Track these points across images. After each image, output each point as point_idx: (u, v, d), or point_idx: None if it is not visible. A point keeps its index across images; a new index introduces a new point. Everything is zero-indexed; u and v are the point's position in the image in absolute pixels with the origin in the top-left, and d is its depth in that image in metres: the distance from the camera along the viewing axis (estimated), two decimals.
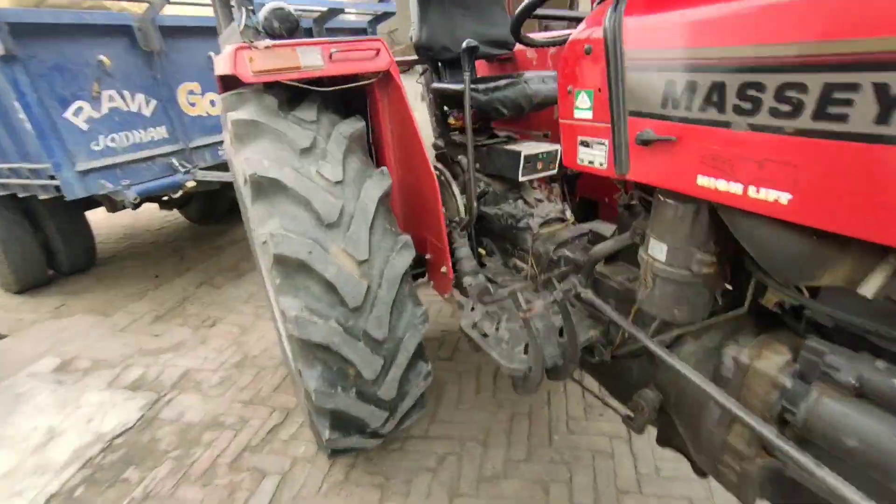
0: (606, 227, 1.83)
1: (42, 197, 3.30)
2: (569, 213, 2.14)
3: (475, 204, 1.88)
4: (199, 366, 3.11)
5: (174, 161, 3.41)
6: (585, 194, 2.57)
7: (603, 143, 1.21)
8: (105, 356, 3.25)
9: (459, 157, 1.88)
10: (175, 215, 6.23)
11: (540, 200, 2.15)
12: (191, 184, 3.42)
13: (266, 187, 1.54)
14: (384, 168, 1.74)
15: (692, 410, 1.28)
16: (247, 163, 1.55)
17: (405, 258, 1.66)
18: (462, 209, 1.99)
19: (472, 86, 1.90)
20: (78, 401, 2.82)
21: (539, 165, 2.04)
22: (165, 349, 3.32)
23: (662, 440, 1.60)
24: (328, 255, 1.52)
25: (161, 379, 3.00)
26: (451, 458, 2.33)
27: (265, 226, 1.52)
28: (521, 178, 2.01)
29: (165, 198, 4.69)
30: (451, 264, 1.82)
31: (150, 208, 5.83)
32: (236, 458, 2.37)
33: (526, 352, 1.51)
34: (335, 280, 1.51)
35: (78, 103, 3.09)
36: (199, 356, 3.22)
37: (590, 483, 2.19)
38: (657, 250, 1.17)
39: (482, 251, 2.19)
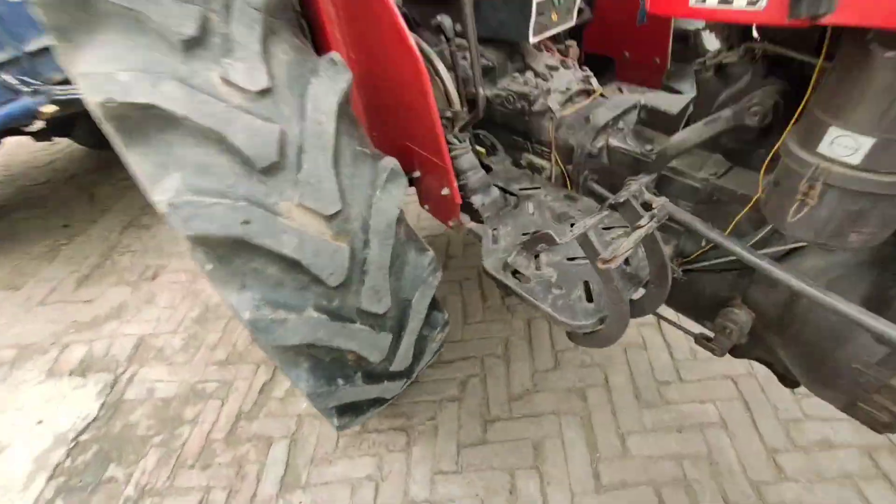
0: (657, 97, 1.30)
1: None
2: (595, 82, 1.56)
3: (481, 89, 1.27)
4: (154, 329, 2.62)
5: (7, 79, 2.35)
6: (594, 49, 1.94)
7: None
8: (31, 339, 2.67)
9: (439, 17, 1.21)
10: (65, 143, 5.00)
11: (554, 68, 1.54)
12: (48, 108, 2.43)
13: (139, 122, 0.90)
14: (334, 54, 1.08)
15: (821, 341, 0.98)
16: (89, 81, 0.87)
17: (396, 194, 1.13)
18: (455, 97, 1.38)
19: None
20: (16, 400, 2.35)
21: (554, 16, 1.38)
22: (105, 317, 2.76)
23: (739, 353, 1.34)
24: (277, 219, 0.96)
25: (112, 354, 2.51)
26: (473, 380, 2.10)
27: (159, 187, 0.91)
28: (532, 39, 1.37)
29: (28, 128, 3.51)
30: (454, 182, 1.29)
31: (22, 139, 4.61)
32: (231, 429, 2.06)
33: (589, 298, 1.10)
34: (298, 254, 0.98)
35: None
36: (151, 318, 2.70)
37: (627, 380, 2.03)
38: (845, 146, 0.70)
39: (480, 149, 1.63)
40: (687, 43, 1.74)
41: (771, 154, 0.93)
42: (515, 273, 1.21)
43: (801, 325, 1.02)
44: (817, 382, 1.05)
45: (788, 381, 1.33)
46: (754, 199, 1.00)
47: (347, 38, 1.28)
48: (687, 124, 1.17)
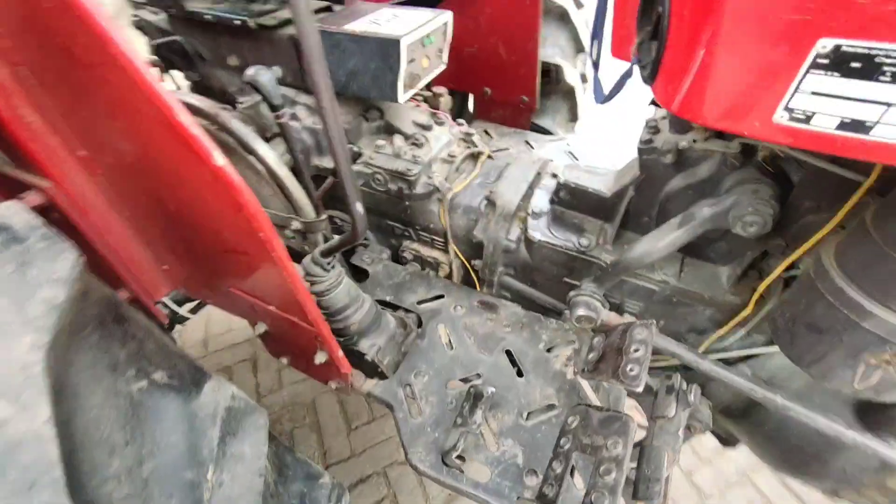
0: (575, 173, 1.01)
1: None
2: (477, 138, 1.23)
3: (350, 185, 0.75)
4: None
5: None
6: (445, 84, 1.62)
7: None
8: None
9: (252, 72, 0.69)
10: None
11: (426, 127, 1.14)
12: None
13: None
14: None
15: (806, 445, 0.93)
16: None
17: None
18: (303, 200, 0.88)
19: None
20: None
21: (424, 62, 0.99)
22: None
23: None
24: None
25: None
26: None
27: None
28: (402, 97, 0.95)
29: None
30: (335, 349, 0.81)
31: None
32: None
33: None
34: None
35: None
36: None
37: None
38: None
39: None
40: (549, 77, 1.56)
41: (773, 276, 0.73)
42: (458, 460, 0.81)
43: (780, 428, 0.90)
44: (797, 472, 0.95)
45: (729, 441, 1.25)
46: (742, 316, 0.81)
47: (77, 129, 0.66)
48: (627, 212, 0.93)
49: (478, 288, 1.14)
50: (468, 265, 1.13)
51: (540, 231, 1.01)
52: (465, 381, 0.92)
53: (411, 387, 0.91)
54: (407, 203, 1.10)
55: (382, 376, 0.94)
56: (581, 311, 0.88)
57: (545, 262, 1.03)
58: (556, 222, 1.02)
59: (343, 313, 0.90)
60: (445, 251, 1.16)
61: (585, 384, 0.89)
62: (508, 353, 0.96)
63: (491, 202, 1.06)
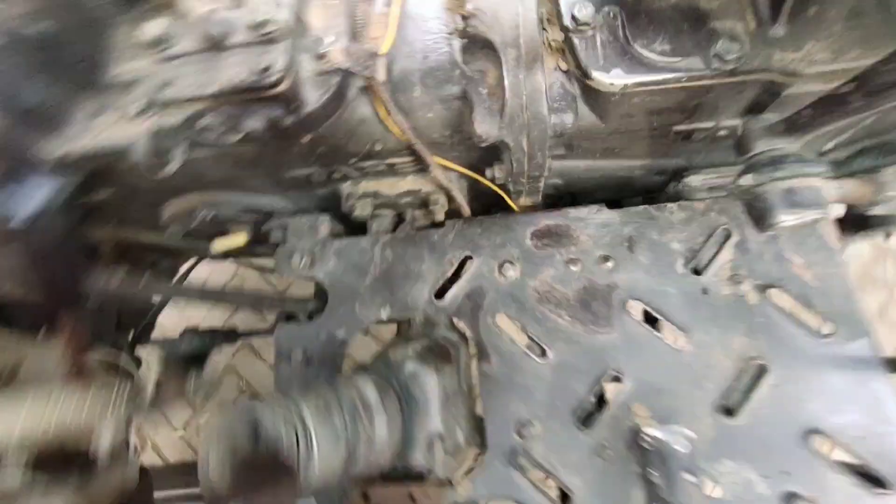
0: None
1: None
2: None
3: None
4: None
5: None
6: None
7: None
8: None
9: None
10: None
11: None
12: None
13: None
14: None
15: None
16: None
17: None
18: None
19: None
20: None
21: None
22: None
23: None
24: None
25: None
26: None
27: None
28: None
29: None
30: None
31: None
32: None
33: None
34: None
35: None
36: None
37: None
38: None
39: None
40: None
41: None
42: None
43: None
44: None
45: None
46: None
47: None
48: None
49: (512, 206, 0.62)
50: (478, 177, 0.59)
51: (616, 65, 0.44)
52: (599, 402, 0.52)
53: (526, 456, 0.52)
54: (306, 137, 0.48)
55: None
56: (787, 217, 0.41)
57: (637, 115, 0.49)
58: (635, 26, 0.44)
59: (355, 454, 0.43)
60: (424, 171, 0.59)
61: (787, 304, 0.50)
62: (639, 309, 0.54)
63: (475, 38, 0.45)
